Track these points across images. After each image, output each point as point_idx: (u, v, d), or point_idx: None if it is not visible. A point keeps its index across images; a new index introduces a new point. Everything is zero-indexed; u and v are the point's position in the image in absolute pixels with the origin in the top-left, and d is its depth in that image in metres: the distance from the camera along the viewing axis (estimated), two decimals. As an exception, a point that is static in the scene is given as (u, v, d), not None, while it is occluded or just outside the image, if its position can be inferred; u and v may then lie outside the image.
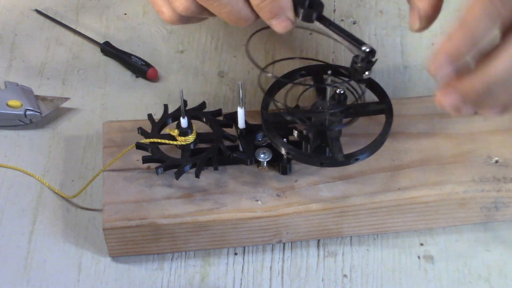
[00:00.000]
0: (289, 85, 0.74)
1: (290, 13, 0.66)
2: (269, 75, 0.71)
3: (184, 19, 0.69)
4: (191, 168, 0.71)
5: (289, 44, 0.88)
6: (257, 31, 0.70)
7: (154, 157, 0.71)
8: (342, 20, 0.91)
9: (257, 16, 0.67)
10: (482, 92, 0.61)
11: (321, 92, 0.72)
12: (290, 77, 0.74)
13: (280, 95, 0.73)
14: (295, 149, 0.69)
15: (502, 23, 0.60)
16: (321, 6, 0.66)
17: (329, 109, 0.70)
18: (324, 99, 0.71)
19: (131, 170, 0.73)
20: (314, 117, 0.71)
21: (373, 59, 0.65)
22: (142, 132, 0.73)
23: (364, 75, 0.66)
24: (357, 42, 0.65)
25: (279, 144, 0.70)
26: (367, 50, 0.65)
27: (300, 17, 0.66)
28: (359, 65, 0.66)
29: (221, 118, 0.75)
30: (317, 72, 0.74)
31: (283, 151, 0.70)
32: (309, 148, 0.71)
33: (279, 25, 0.66)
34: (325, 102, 0.70)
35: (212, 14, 0.67)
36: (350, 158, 0.69)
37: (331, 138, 0.70)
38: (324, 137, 0.70)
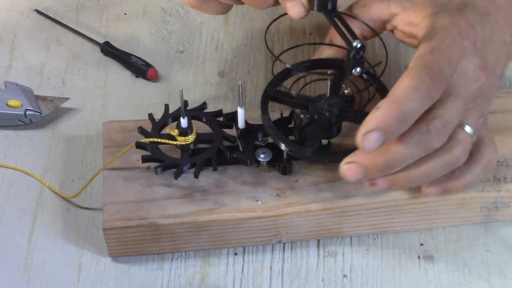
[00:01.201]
0: (298, 75, 0.73)
1: None
2: (287, 65, 0.71)
3: (204, 2, 0.70)
4: (190, 168, 0.71)
5: (289, 44, 0.88)
6: (275, 19, 0.71)
7: (153, 156, 0.71)
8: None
9: (274, 1, 0.67)
10: (383, 167, 0.63)
11: (333, 88, 0.72)
12: (302, 66, 0.74)
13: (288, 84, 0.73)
14: (295, 145, 0.69)
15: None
16: None
17: (328, 103, 0.70)
18: (332, 94, 0.70)
19: (131, 170, 0.73)
20: (311, 106, 0.70)
21: (362, 56, 0.65)
22: (142, 131, 0.73)
23: (354, 70, 0.66)
24: (352, 36, 0.65)
25: (281, 141, 0.69)
26: (358, 46, 0.65)
27: (315, 8, 0.66)
28: (351, 60, 0.66)
29: (221, 118, 0.75)
30: (335, 66, 0.74)
31: (283, 148, 0.70)
32: (297, 135, 0.70)
33: (293, 9, 0.66)
34: (326, 95, 0.70)
35: None
36: (339, 156, 0.68)
37: (315, 130, 0.69)
38: (313, 128, 0.70)
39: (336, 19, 0.67)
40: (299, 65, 0.74)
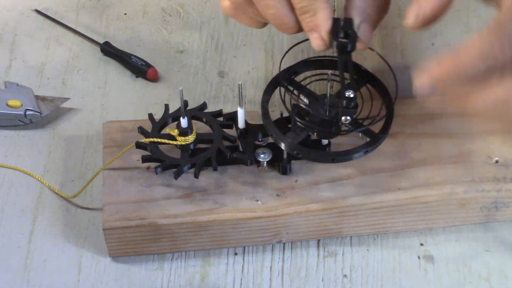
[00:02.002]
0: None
1: (324, 34, 0.67)
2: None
3: (237, 11, 0.71)
4: (190, 168, 0.71)
5: (289, 44, 0.88)
6: (296, 44, 0.72)
7: (153, 156, 0.71)
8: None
9: (300, 28, 0.68)
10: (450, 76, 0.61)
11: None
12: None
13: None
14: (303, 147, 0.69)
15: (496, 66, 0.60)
16: (354, 35, 0.67)
17: (327, 102, 0.69)
18: (339, 94, 0.70)
19: (131, 170, 0.73)
20: (312, 102, 0.70)
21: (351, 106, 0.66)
22: (142, 131, 0.73)
23: (344, 118, 0.66)
24: (350, 84, 0.66)
25: (280, 140, 0.69)
26: (350, 96, 0.65)
27: (334, 47, 0.66)
28: (342, 107, 0.66)
29: (221, 118, 0.75)
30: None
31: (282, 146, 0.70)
32: (293, 127, 0.70)
33: (313, 41, 0.68)
34: (329, 94, 0.70)
35: (259, 15, 0.69)
36: (347, 155, 0.68)
37: (305, 125, 0.69)
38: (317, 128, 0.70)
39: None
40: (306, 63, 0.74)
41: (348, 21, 0.66)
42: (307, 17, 0.67)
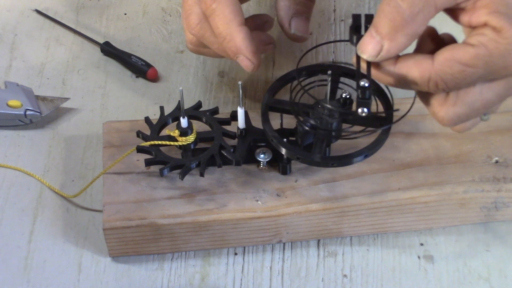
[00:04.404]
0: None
1: (248, 54, 0.70)
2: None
3: (199, 48, 0.76)
4: (194, 167, 0.71)
5: (289, 44, 0.88)
6: (305, 54, 0.72)
7: (157, 159, 0.71)
8: (342, 20, 0.91)
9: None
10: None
11: (332, 92, 0.71)
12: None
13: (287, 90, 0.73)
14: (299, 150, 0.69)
15: None
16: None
17: (327, 109, 0.69)
18: (332, 99, 0.70)
19: (131, 171, 0.73)
20: (312, 114, 0.70)
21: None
22: (143, 136, 0.73)
23: (361, 110, 0.62)
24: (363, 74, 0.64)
25: (287, 148, 0.69)
26: (365, 85, 0.62)
27: (355, 42, 0.64)
28: (358, 99, 0.64)
29: (219, 115, 0.74)
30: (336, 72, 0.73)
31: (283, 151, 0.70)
32: (299, 141, 0.70)
33: (242, 64, 0.70)
34: (325, 101, 0.70)
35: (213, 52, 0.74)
36: (351, 159, 0.68)
37: (317, 137, 0.69)
38: (315, 135, 0.70)
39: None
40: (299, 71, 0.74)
41: (369, 17, 0.66)
42: (227, 43, 0.70)
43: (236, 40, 0.69)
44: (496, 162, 0.73)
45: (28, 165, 0.78)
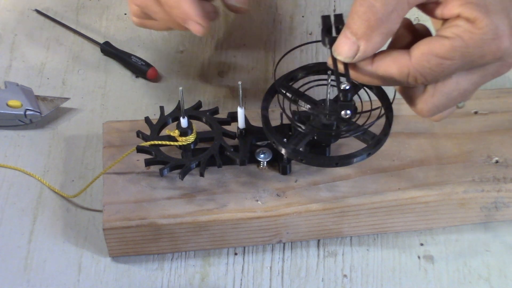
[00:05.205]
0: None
1: (197, 18, 0.70)
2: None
3: (144, 21, 0.75)
4: (194, 167, 0.71)
5: (289, 44, 0.88)
6: (285, 54, 0.71)
7: (157, 159, 0.71)
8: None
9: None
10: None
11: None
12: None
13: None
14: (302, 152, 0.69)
15: None
16: None
17: (327, 108, 0.69)
18: (337, 99, 0.70)
19: (131, 171, 0.73)
20: (313, 108, 0.70)
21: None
22: (143, 136, 0.73)
23: (344, 113, 0.64)
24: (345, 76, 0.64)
25: (286, 148, 0.69)
26: (346, 87, 0.63)
27: (327, 45, 0.65)
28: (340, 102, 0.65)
29: (219, 116, 0.74)
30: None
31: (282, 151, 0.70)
32: (294, 133, 0.70)
33: (192, 29, 0.70)
34: (328, 100, 0.70)
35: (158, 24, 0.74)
36: (350, 159, 0.68)
37: (321, 136, 0.69)
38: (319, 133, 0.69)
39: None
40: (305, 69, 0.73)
41: (339, 17, 0.66)
42: (175, 11, 0.70)
43: (184, 6, 0.69)
44: (496, 162, 0.73)
45: (28, 165, 0.78)
